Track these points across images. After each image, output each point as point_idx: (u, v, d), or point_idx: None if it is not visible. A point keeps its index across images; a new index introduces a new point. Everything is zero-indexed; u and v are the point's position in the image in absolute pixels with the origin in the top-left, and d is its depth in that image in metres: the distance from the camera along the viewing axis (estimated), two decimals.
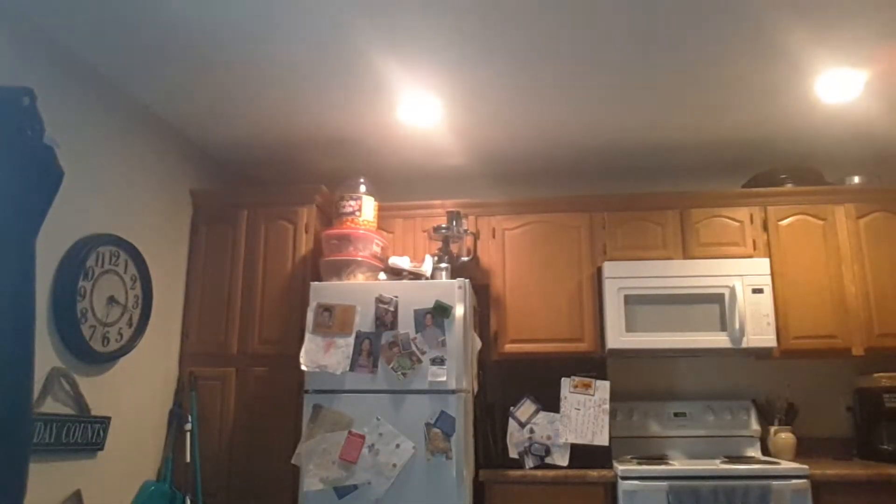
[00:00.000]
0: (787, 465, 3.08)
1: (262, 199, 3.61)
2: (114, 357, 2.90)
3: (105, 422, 2.80)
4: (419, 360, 3.00)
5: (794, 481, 2.92)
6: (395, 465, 2.89)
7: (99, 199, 2.89)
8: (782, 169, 3.72)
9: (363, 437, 2.95)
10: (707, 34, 2.60)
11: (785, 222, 3.54)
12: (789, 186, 3.64)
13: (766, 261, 3.43)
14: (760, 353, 3.48)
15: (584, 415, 3.30)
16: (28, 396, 2.29)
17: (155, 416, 3.24)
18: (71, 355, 2.67)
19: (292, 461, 3.01)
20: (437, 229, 3.51)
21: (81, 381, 2.70)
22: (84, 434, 2.69)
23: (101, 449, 2.80)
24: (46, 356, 2.56)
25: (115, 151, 3.02)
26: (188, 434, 3.24)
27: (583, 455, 3.22)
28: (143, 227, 3.16)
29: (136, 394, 3.08)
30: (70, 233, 2.71)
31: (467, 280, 3.16)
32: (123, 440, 2.93)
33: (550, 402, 3.34)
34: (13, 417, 2.18)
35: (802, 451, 3.43)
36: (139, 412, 3.10)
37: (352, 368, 3.03)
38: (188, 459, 3.20)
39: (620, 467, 3.06)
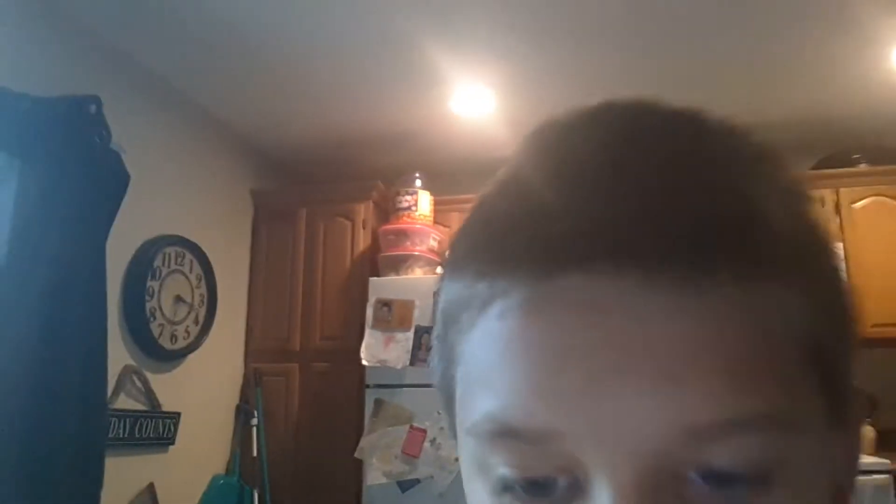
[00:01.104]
0: (867, 459, 2.94)
1: (319, 196, 3.65)
2: (182, 354, 2.99)
3: (175, 417, 2.88)
4: None
5: (876, 476, 2.78)
6: (457, 460, 2.87)
7: (163, 201, 2.98)
8: (855, 148, 3.54)
9: (424, 432, 2.95)
10: (776, 8, 2.49)
11: (859, 205, 3.37)
12: (863, 166, 3.46)
13: (840, 246, 3.28)
14: None
15: None
16: (103, 393, 2.39)
17: (222, 412, 3.32)
18: (141, 353, 2.76)
19: (355, 455, 3.04)
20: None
21: (152, 378, 2.78)
22: (156, 429, 2.78)
23: (173, 443, 2.88)
24: (118, 354, 2.64)
25: (177, 154, 3.10)
26: (254, 429, 3.31)
27: None
28: (206, 228, 3.24)
29: (204, 390, 3.16)
30: (138, 234, 2.80)
31: None
32: (193, 435, 3.01)
33: None
34: (90, 413, 2.27)
35: (884, 444, 3.26)
36: (207, 408, 3.18)
37: (412, 363, 3.04)
38: (255, 454, 3.27)
39: None
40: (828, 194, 3.41)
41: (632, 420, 0.25)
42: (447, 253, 0.33)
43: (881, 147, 3.54)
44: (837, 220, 3.37)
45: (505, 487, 0.28)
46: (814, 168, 3.60)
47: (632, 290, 0.25)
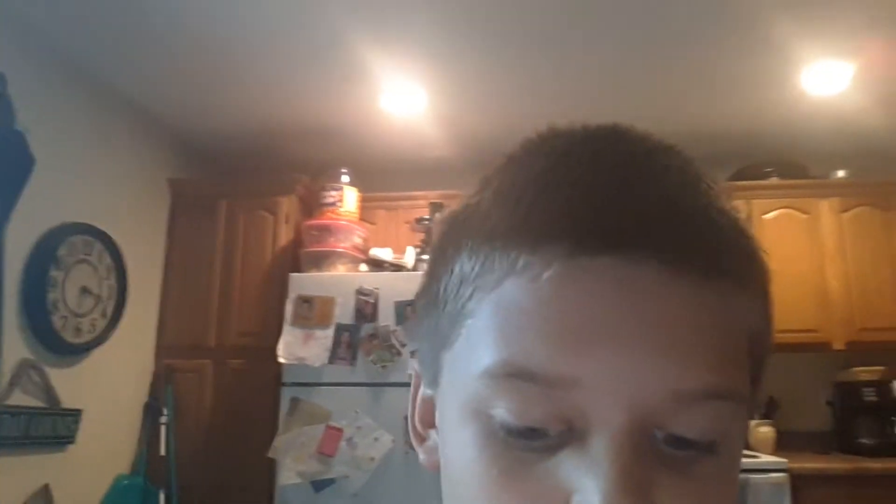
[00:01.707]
0: (766, 458, 3.08)
1: (241, 188, 3.55)
2: (86, 348, 2.84)
3: (76, 414, 2.74)
4: (399, 353, 2.96)
5: (773, 475, 2.92)
6: (373, 459, 2.86)
7: (73, 187, 2.82)
8: (767, 162, 3.70)
9: (341, 431, 2.91)
10: (693, 24, 2.58)
11: (769, 216, 3.53)
12: (774, 180, 3.62)
13: None
14: None
15: None
16: None
17: (129, 409, 3.18)
18: (41, 346, 2.61)
19: (269, 454, 2.97)
20: (419, 221, 3.46)
21: (52, 373, 2.64)
22: (54, 427, 2.63)
23: (72, 442, 2.74)
24: (15, 347, 2.50)
25: (91, 139, 2.94)
26: (163, 427, 3.19)
27: None
28: (118, 217, 3.09)
29: (110, 386, 3.02)
30: (42, 221, 2.64)
31: None
32: (96, 433, 2.87)
33: None
34: None
35: (782, 444, 3.43)
36: (113, 405, 3.04)
37: (331, 361, 2.99)
38: (163, 453, 3.15)
39: None
40: (741, 205, 3.55)
41: (636, 380, 0.31)
42: (469, 219, 0.36)
43: (791, 162, 3.73)
44: None
45: (500, 430, 0.32)
46: (729, 179, 3.75)
47: (660, 277, 0.31)
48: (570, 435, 0.32)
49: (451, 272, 0.36)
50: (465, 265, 0.35)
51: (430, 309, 0.38)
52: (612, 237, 0.32)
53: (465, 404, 0.34)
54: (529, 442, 0.32)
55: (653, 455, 0.31)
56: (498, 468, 0.32)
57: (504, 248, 0.33)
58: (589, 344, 0.31)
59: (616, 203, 0.32)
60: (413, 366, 0.43)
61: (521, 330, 0.32)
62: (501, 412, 0.32)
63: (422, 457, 0.42)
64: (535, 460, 0.32)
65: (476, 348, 0.34)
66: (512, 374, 0.32)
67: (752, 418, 0.40)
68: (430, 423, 0.41)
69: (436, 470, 0.39)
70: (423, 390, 0.42)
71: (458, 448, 0.34)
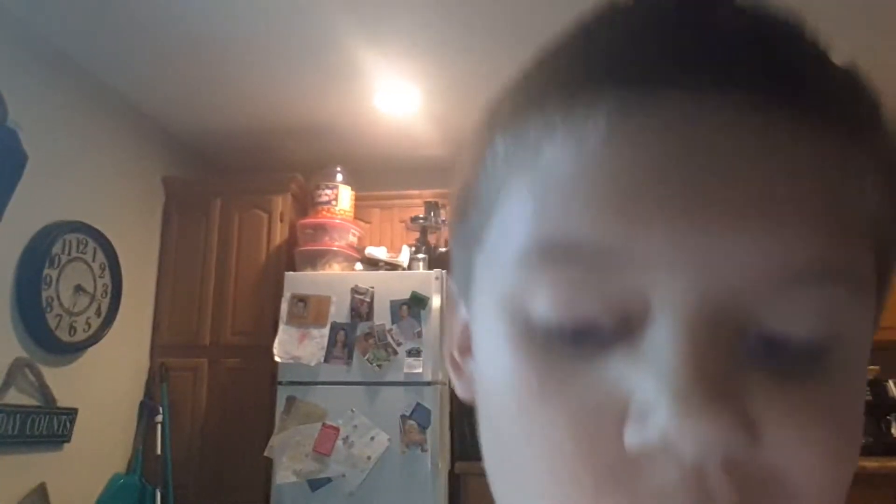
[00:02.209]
0: None
1: (235, 187, 3.54)
2: (81, 347, 2.83)
3: (72, 413, 2.73)
4: (395, 352, 2.97)
5: None
6: (369, 458, 2.86)
7: (66, 185, 2.82)
8: None
9: (337, 430, 2.91)
10: None
11: None
12: None
13: None
14: None
15: None
16: None
17: (125, 408, 3.18)
18: (35, 345, 2.60)
19: (265, 454, 2.97)
20: (414, 220, 3.46)
21: (47, 372, 2.63)
22: (49, 426, 2.62)
23: (68, 441, 2.73)
24: (9, 346, 2.49)
25: (85, 137, 2.94)
26: (159, 426, 3.18)
27: None
28: (112, 215, 3.08)
29: (105, 385, 3.01)
30: (35, 219, 2.63)
31: (445, 271, 3.12)
32: (91, 432, 2.86)
33: None
34: None
35: None
36: (108, 404, 3.03)
37: (326, 360, 2.99)
38: (159, 452, 3.14)
39: None
40: None
41: (715, 251, 0.23)
42: (505, 95, 0.30)
43: None
44: None
45: (540, 332, 0.25)
46: None
47: (742, 118, 0.24)
48: (626, 329, 0.24)
49: (484, 159, 0.29)
50: (497, 145, 0.28)
51: (462, 210, 0.31)
52: (680, 63, 0.24)
53: (498, 305, 0.27)
54: (576, 345, 0.24)
55: (744, 363, 0.23)
56: (538, 379, 0.25)
57: (540, 106, 0.26)
58: (650, 205, 0.23)
59: (684, 24, 0.25)
60: (450, 287, 0.36)
61: (564, 199, 0.25)
62: (541, 307, 0.25)
63: (459, 390, 0.35)
64: (584, 366, 0.24)
65: (510, 232, 0.27)
66: (553, 254, 0.25)
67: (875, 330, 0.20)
68: (465, 350, 0.34)
69: (471, 401, 0.32)
70: (460, 318, 0.34)
71: (492, 362, 0.27)
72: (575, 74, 0.26)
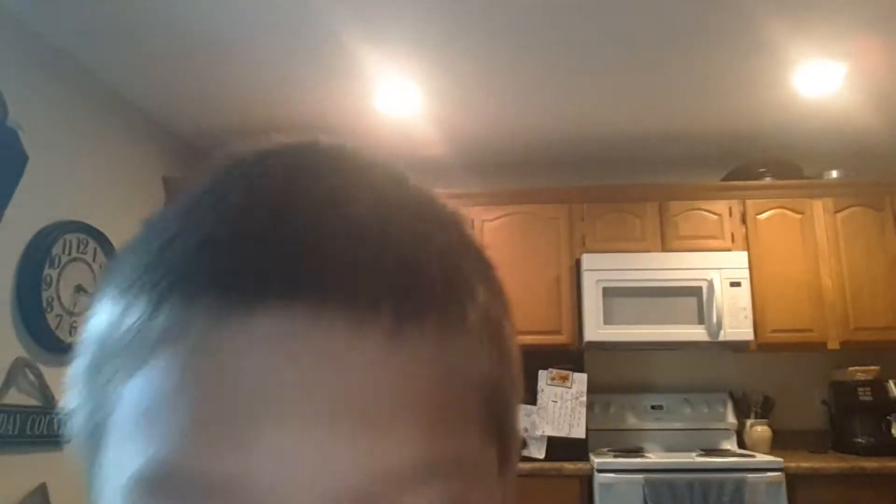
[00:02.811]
0: (762, 457, 3.09)
1: None
2: None
3: None
4: None
5: (769, 474, 2.93)
6: None
7: (67, 184, 2.82)
8: (761, 162, 3.72)
9: None
10: (688, 25, 2.58)
11: (763, 216, 3.55)
12: (768, 180, 3.64)
13: (745, 254, 3.43)
14: (737, 347, 3.49)
15: (560, 407, 3.29)
16: None
17: None
18: (36, 345, 2.60)
19: None
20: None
21: (47, 372, 2.63)
22: (50, 426, 2.62)
23: (68, 441, 2.72)
24: (10, 346, 2.49)
25: (85, 136, 2.94)
26: None
27: (559, 448, 3.21)
28: (113, 215, 3.08)
29: None
30: (35, 219, 2.63)
31: None
32: None
33: (527, 395, 3.32)
34: None
35: (778, 444, 3.44)
36: None
37: None
38: None
39: (597, 460, 3.05)
40: (735, 205, 3.57)
41: (324, 464, 0.23)
42: (109, 272, 0.28)
43: (785, 162, 3.74)
44: (744, 229, 3.53)
45: None
46: (724, 179, 3.76)
47: (338, 335, 0.24)
48: None
49: (82, 365, 0.28)
50: (104, 331, 0.27)
51: (75, 394, 0.29)
52: (265, 285, 0.24)
53: None
54: None
55: None
56: None
57: (138, 296, 0.25)
58: (253, 426, 0.23)
59: (273, 237, 0.24)
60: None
61: (168, 419, 0.23)
62: None
63: None
64: None
65: (119, 452, 0.25)
66: (162, 483, 0.23)
67: (509, 483, 0.28)
68: None
69: None
70: None
71: None
72: (170, 274, 0.25)
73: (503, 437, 0.29)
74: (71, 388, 0.29)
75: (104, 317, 0.27)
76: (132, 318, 0.25)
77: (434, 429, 0.24)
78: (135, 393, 0.25)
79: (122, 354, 0.26)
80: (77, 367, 0.29)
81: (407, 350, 0.24)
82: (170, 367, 0.24)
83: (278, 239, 0.24)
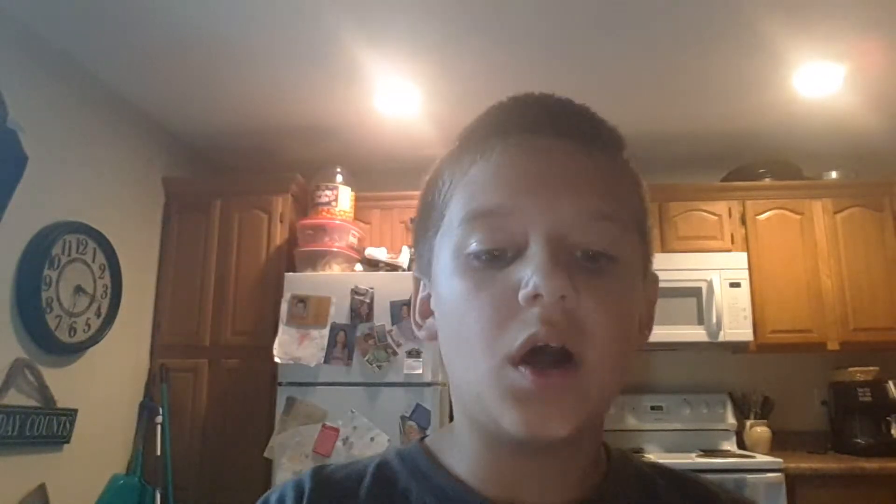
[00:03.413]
0: (761, 458, 3.09)
1: (235, 187, 3.54)
2: (81, 348, 2.83)
3: (71, 414, 2.73)
4: (395, 353, 2.96)
5: (769, 475, 2.93)
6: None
7: (66, 185, 2.82)
8: (761, 163, 3.72)
9: (337, 431, 2.91)
10: (686, 26, 2.58)
11: (763, 216, 3.55)
12: (767, 181, 3.64)
13: (744, 255, 3.44)
14: (737, 347, 3.49)
15: None
16: None
17: (124, 409, 3.17)
18: (35, 346, 2.60)
19: (265, 454, 2.97)
20: (414, 220, 3.46)
21: (47, 373, 2.63)
22: (49, 426, 2.62)
23: (68, 442, 2.73)
24: (9, 347, 2.49)
25: (84, 137, 2.94)
26: (159, 427, 3.18)
27: None
28: (112, 215, 3.08)
29: (105, 386, 3.01)
30: (35, 220, 2.63)
31: None
32: (91, 433, 2.86)
33: None
34: None
35: (777, 444, 3.44)
36: (108, 404, 3.03)
37: (326, 361, 2.99)
38: (158, 452, 3.14)
39: None
40: (734, 206, 3.57)
41: (552, 207, 0.47)
42: (473, 125, 0.56)
43: (784, 163, 3.74)
44: (743, 230, 3.53)
45: (474, 260, 0.48)
46: (723, 179, 3.76)
47: (563, 147, 0.50)
48: (517, 254, 0.47)
49: (437, 186, 0.54)
50: (444, 175, 0.54)
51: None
52: (533, 126, 0.50)
53: (451, 254, 0.50)
54: (492, 262, 0.47)
55: (573, 263, 0.47)
56: (473, 282, 0.48)
57: (468, 151, 0.51)
58: (522, 188, 0.48)
59: (537, 108, 0.52)
60: (414, 274, 0.58)
61: (482, 190, 0.49)
62: (474, 245, 0.48)
63: (422, 334, 0.56)
64: (497, 273, 0.47)
65: (456, 212, 0.50)
66: (477, 215, 0.48)
67: (649, 257, 0.52)
68: (426, 314, 0.56)
69: (434, 340, 0.54)
70: (421, 293, 0.57)
71: (447, 287, 0.50)
72: (487, 130, 0.52)
73: (644, 248, 0.54)
74: (440, 175, 0.55)
75: (443, 174, 0.55)
76: (463, 158, 0.53)
77: (607, 197, 0.49)
78: (466, 183, 0.51)
79: (455, 175, 0.53)
80: (445, 162, 0.56)
81: (594, 159, 0.50)
82: (485, 167, 0.51)
83: (541, 108, 0.52)
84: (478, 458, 0.51)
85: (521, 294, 0.45)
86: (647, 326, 0.57)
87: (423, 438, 0.57)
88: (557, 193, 0.47)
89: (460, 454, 0.52)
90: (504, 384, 0.46)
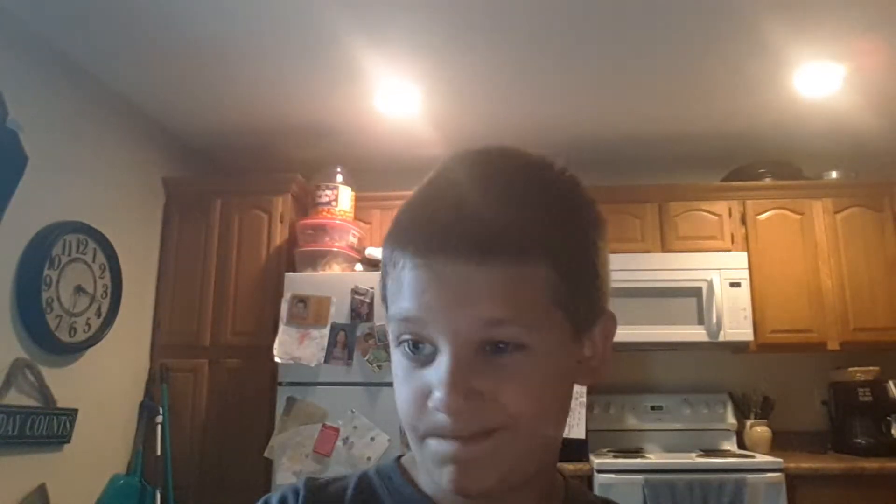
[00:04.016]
0: (761, 458, 3.09)
1: (236, 187, 3.54)
2: (81, 348, 2.83)
3: (72, 414, 2.73)
4: None
5: (769, 475, 2.93)
6: (369, 459, 2.85)
7: (66, 185, 2.82)
8: (761, 163, 3.72)
9: (337, 430, 2.91)
10: (687, 26, 2.58)
11: (763, 216, 3.55)
12: (768, 180, 3.64)
13: (744, 255, 3.43)
14: (737, 347, 3.49)
15: None
16: None
17: (125, 409, 3.17)
18: (35, 346, 2.60)
19: (265, 454, 2.97)
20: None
21: (47, 373, 2.63)
22: (49, 426, 2.62)
23: (68, 442, 2.73)
24: (9, 346, 2.49)
25: (84, 137, 2.94)
26: (159, 427, 3.18)
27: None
28: (112, 215, 3.08)
29: (105, 385, 3.01)
30: (35, 220, 2.63)
31: None
32: (91, 433, 2.86)
33: None
34: None
35: (778, 444, 3.44)
36: (108, 404, 3.03)
37: (326, 360, 2.99)
38: (159, 452, 3.14)
39: (597, 460, 3.05)
40: (735, 206, 3.57)
41: (456, 318, 0.51)
42: (392, 226, 0.57)
43: (784, 163, 3.74)
44: (743, 230, 3.53)
45: (405, 349, 0.54)
46: (723, 179, 3.76)
47: (460, 268, 0.51)
48: (434, 352, 0.53)
49: (382, 260, 0.58)
50: (385, 257, 0.57)
51: (384, 266, 0.58)
52: (431, 249, 0.52)
53: (392, 336, 0.56)
54: (418, 356, 0.53)
55: (482, 360, 0.51)
56: (402, 373, 0.55)
57: (395, 251, 0.55)
58: (425, 302, 0.52)
59: (436, 222, 0.53)
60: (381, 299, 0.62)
61: (400, 297, 0.54)
62: (403, 338, 0.54)
63: None
64: (420, 368, 0.53)
65: (390, 304, 0.56)
66: (400, 318, 0.54)
67: (581, 337, 0.56)
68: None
69: None
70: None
71: (394, 359, 0.57)
72: (398, 240, 0.55)
73: (574, 317, 0.55)
74: (381, 279, 0.59)
75: (388, 250, 0.56)
76: (396, 253, 0.55)
77: (499, 306, 0.51)
78: (396, 282, 0.54)
79: (395, 265, 0.55)
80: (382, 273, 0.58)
81: (488, 273, 0.51)
82: (402, 274, 0.53)
83: (442, 232, 0.52)
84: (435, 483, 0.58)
85: (429, 403, 0.52)
86: (603, 362, 0.59)
87: (399, 457, 0.66)
88: (453, 307, 0.51)
89: (424, 474, 0.60)
90: (428, 453, 0.54)
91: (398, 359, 0.55)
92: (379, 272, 0.58)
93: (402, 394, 0.55)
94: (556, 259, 0.53)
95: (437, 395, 0.51)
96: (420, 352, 0.53)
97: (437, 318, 0.51)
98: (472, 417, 0.51)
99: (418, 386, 0.53)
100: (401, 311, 0.53)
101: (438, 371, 0.51)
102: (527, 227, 0.52)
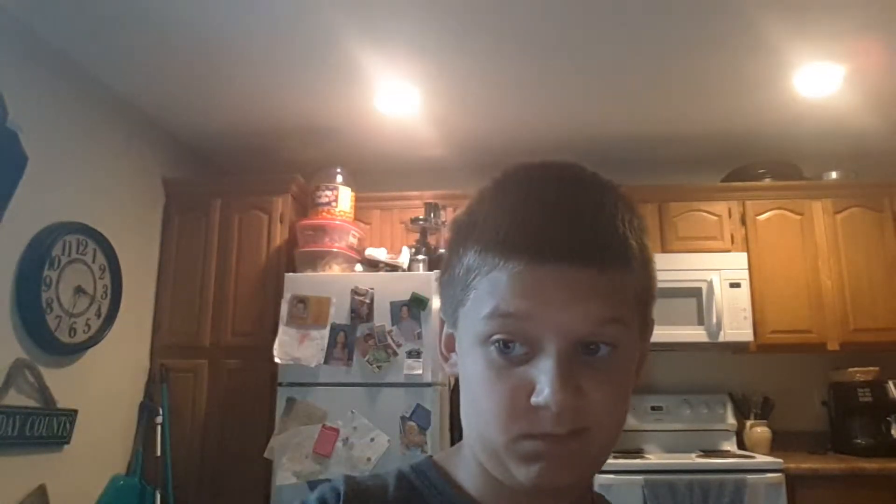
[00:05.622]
0: (761, 458, 3.09)
1: (236, 188, 3.54)
2: (81, 348, 2.83)
3: (71, 415, 2.73)
4: (395, 353, 2.96)
5: (769, 475, 2.93)
6: (369, 459, 2.85)
7: (66, 186, 2.82)
8: (761, 163, 3.72)
9: (337, 431, 2.91)
10: (687, 26, 2.58)
11: (763, 217, 3.55)
12: (767, 181, 3.64)
13: (744, 255, 3.43)
14: (737, 348, 3.49)
15: None
16: None
17: (124, 409, 3.17)
18: (35, 346, 2.60)
19: (265, 455, 2.96)
20: (414, 221, 3.46)
21: (47, 373, 2.63)
22: (49, 427, 2.62)
23: (68, 442, 2.73)
24: (9, 347, 2.49)
25: (84, 138, 2.94)
26: (159, 427, 3.18)
27: None
28: (112, 216, 3.08)
29: (105, 386, 3.01)
30: (35, 220, 2.63)
31: None
32: (91, 434, 2.86)
33: None
34: None
35: (778, 444, 3.44)
36: (108, 405, 3.03)
37: (326, 361, 2.99)
38: (159, 453, 3.14)
39: None
40: (735, 206, 3.57)
41: (566, 316, 0.53)
42: (481, 231, 0.58)
43: (784, 163, 3.74)
44: (743, 230, 3.53)
45: (494, 350, 0.55)
46: (723, 180, 3.76)
47: (571, 274, 0.53)
48: (532, 352, 0.54)
49: (462, 263, 0.59)
50: (471, 260, 0.58)
51: (449, 283, 0.61)
52: (545, 254, 0.54)
53: (474, 337, 0.56)
54: (510, 355, 0.54)
55: (579, 361, 0.53)
56: (494, 372, 0.55)
57: (492, 255, 0.56)
58: (538, 300, 0.53)
59: (549, 231, 0.54)
60: (439, 315, 0.65)
61: (502, 296, 0.54)
62: (496, 338, 0.54)
63: (447, 370, 0.65)
64: (514, 367, 0.54)
65: (480, 304, 0.56)
66: (500, 315, 0.54)
67: (646, 347, 0.63)
68: (451, 349, 0.64)
69: (456, 377, 0.62)
70: (446, 330, 0.64)
71: (470, 364, 0.57)
72: (508, 247, 0.55)
73: (643, 321, 0.60)
74: (445, 283, 0.61)
75: (469, 259, 0.58)
76: (489, 256, 0.56)
77: (612, 306, 0.54)
78: (485, 284, 0.56)
79: (482, 267, 0.56)
80: (449, 275, 0.61)
81: (601, 279, 0.54)
82: (505, 276, 0.54)
83: (553, 232, 0.54)
84: (484, 482, 0.60)
85: (534, 399, 0.52)
86: (641, 369, 0.63)
87: (430, 456, 0.66)
88: (567, 306, 0.53)
89: (469, 475, 0.61)
90: (519, 451, 0.54)
91: (485, 359, 0.55)
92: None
93: (493, 392, 0.55)
94: (643, 264, 0.59)
95: (546, 390, 0.51)
96: (510, 351, 0.54)
97: (547, 314, 0.53)
98: (573, 415, 0.52)
99: (516, 384, 0.53)
100: (506, 308, 0.54)
101: (545, 367, 0.52)
102: (628, 236, 0.57)
